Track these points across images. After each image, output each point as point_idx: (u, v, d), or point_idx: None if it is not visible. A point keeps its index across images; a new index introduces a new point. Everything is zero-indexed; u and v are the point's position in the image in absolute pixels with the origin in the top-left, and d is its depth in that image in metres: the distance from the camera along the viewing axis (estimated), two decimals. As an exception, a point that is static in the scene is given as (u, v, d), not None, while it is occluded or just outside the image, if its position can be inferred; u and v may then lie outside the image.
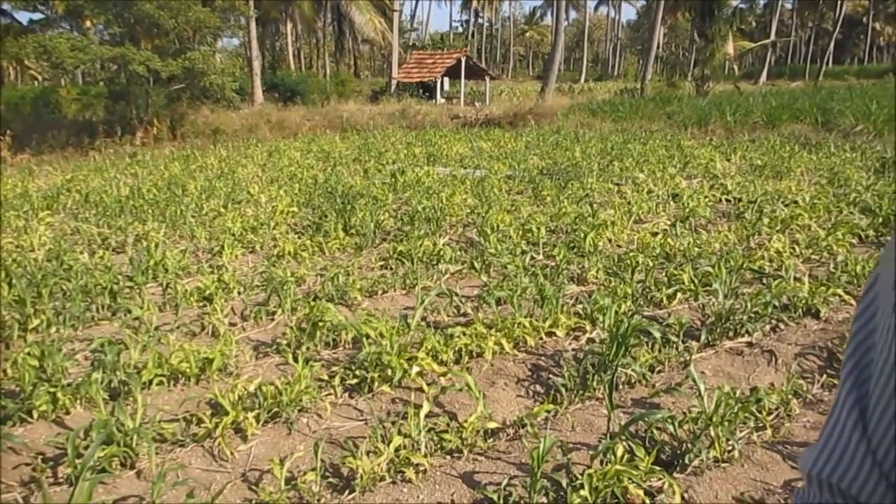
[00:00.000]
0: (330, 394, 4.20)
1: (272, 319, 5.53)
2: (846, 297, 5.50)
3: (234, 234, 8.05)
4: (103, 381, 4.14)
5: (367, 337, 4.60)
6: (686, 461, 3.34)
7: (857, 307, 0.65)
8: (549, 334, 4.97)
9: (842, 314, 5.31)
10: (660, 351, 4.59)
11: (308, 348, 4.85)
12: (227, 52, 31.14)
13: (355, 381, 4.30)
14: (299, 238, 7.91)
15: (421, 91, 30.68)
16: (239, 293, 6.06)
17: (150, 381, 4.29)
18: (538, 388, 4.29)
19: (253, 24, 26.26)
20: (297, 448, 3.63)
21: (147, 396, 4.10)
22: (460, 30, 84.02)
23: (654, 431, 3.58)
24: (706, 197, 9.55)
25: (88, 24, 22.86)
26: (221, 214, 9.20)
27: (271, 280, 6.06)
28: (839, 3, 44.35)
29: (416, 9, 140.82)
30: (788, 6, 65.75)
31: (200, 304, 5.92)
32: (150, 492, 3.15)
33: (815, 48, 62.83)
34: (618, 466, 3.05)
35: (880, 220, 7.86)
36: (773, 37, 50.34)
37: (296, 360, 4.27)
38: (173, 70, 19.34)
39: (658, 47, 40.64)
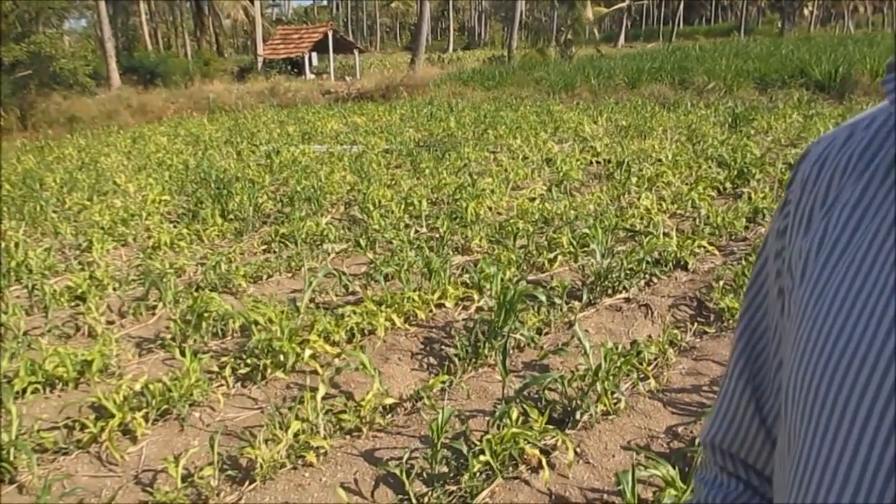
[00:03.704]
0: (222, 385, 4.10)
1: (153, 314, 5.32)
2: (710, 248, 5.89)
3: (102, 228, 7.64)
4: (-29, 396, 3.87)
5: (256, 324, 4.52)
6: (577, 417, 3.50)
7: (746, 290, 0.70)
8: (439, 306, 5.05)
9: (707, 264, 5.68)
10: (546, 314, 4.75)
11: (195, 340, 4.70)
12: (76, 34, 29.21)
13: (247, 369, 4.22)
14: (175, 227, 7.61)
15: (289, 67, 29.92)
16: (114, 289, 5.77)
17: (24, 390, 4.05)
18: (432, 360, 4.36)
19: (103, 4, 24.74)
20: (192, 444, 3.54)
21: (22, 406, 3.87)
22: (324, 2, 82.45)
23: (546, 392, 3.73)
24: (578, 160, 9.89)
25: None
26: (87, 208, 8.71)
27: (148, 273, 5.82)
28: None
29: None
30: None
31: (72, 303, 5.60)
32: (35, 505, 3.00)
33: (666, 11, 65.78)
34: (514, 429, 3.16)
35: (735, 172, 8.40)
36: (627, 0, 52.26)
37: (183, 353, 4.13)
38: (17, 55, 18.02)
39: (522, 14, 41.33)
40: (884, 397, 0.44)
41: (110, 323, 5.20)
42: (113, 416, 3.60)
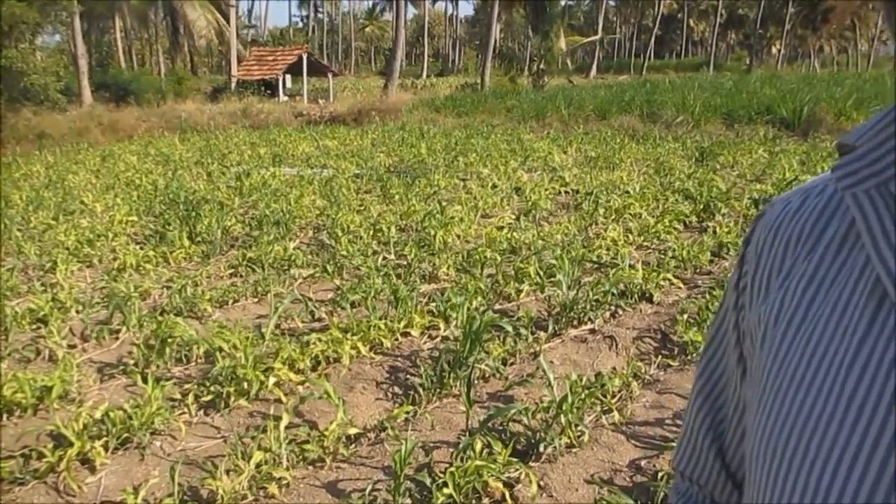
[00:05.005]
0: (184, 413, 4.06)
1: (116, 338, 5.25)
2: (675, 280, 5.97)
3: (67, 248, 7.55)
4: (-75, 421, 3.79)
5: (220, 350, 4.49)
6: (540, 450, 3.52)
7: (709, 328, 0.74)
8: (405, 335, 5.05)
9: (672, 297, 5.76)
10: (512, 344, 4.78)
11: (158, 366, 4.65)
12: (49, 49, 28.91)
13: (210, 397, 4.18)
14: (141, 249, 7.53)
15: (263, 89, 29.90)
16: (77, 312, 5.69)
17: (-20, 417, 3.97)
18: (397, 389, 4.36)
19: (77, 20, 24.56)
20: (152, 474, 3.49)
21: (-23, 433, 3.80)
22: (300, 25, 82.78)
23: (510, 424, 3.75)
24: (547, 189, 10.00)
25: None
26: (52, 227, 8.59)
27: (113, 296, 5.75)
28: (657, 1, 47.51)
29: (253, 4, 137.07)
30: (612, 3, 69.65)
31: (34, 326, 5.51)
32: (-12, 537, 2.94)
33: (638, 43, 67.14)
34: (477, 462, 3.17)
35: (701, 206, 8.56)
36: (600, 33, 53.16)
37: (145, 380, 4.08)
38: (-14, 70, 17.79)
39: (495, 42, 41.80)
40: (845, 468, 0.46)
41: (72, 347, 5.12)
42: (72, 444, 3.54)
